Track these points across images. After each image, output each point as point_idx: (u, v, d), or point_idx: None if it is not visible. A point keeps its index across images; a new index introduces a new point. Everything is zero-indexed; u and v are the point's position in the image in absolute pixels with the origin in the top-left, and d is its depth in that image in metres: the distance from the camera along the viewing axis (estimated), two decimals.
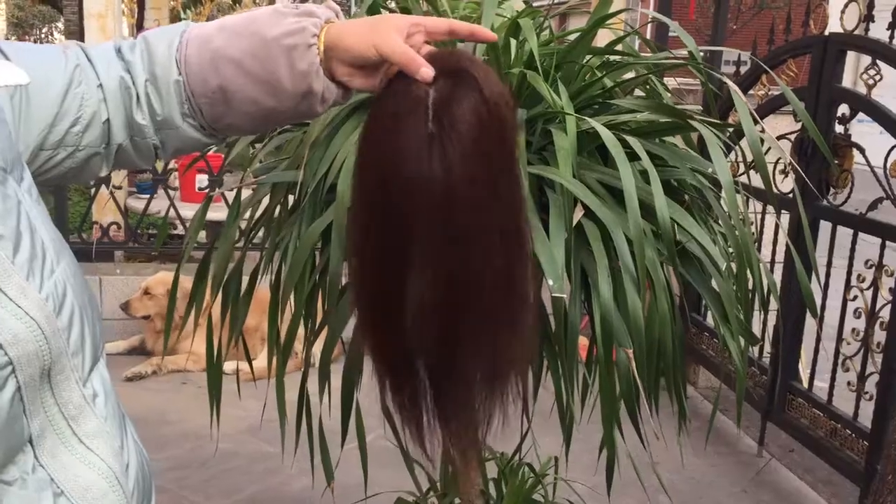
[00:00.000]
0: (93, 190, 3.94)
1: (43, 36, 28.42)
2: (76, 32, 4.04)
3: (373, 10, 1.42)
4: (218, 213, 2.94)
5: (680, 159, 1.36)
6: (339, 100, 0.82)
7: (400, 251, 0.69)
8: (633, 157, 1.22)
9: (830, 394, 2.70)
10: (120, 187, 4.02)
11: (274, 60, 0.76)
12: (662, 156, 1.35)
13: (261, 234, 1.62)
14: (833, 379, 2.68)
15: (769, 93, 3.02)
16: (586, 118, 1.28)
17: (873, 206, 2.45)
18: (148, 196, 3.93)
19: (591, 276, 1.24)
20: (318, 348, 1.51)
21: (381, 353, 0.77)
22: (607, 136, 1.21)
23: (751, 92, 3.07)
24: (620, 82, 1.46)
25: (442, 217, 0.67)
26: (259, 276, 1.55)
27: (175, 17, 8.57)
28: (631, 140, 1.24)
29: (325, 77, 0.78)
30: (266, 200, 1.53)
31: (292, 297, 1.40)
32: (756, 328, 1.72)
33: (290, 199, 1.48)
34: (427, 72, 0.70)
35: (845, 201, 2.63)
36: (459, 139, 0.66)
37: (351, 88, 0.81)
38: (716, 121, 1.43)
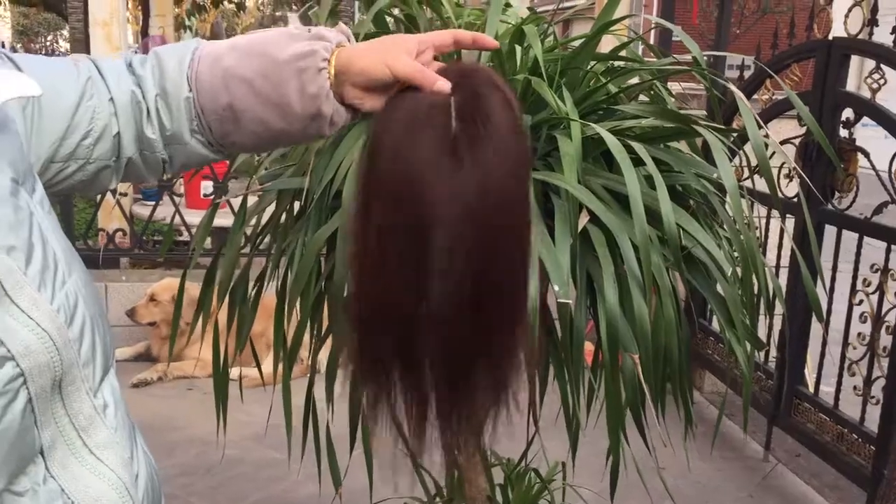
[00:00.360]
0: (98, 196, 3.95)
1: (48, 44, 28.53)
2: (81, 40, 4.04)
3: (378, 18, 1.43)
4: (223, 219, 2.94)
5: (685, 164, 1.36)
6: (348, 122, 0.82)
7: (422, 260, 0.67)
8: (638, 162, 1.23)
9: (837, 398, 2.69)
10: (125, 194, 4.03)
11: (284, 82, 0.76)
12: (667, 161, 1.35)
13: (266, 240, 1.62)
14: (839, 383, 2.67)
15: (773, 97, 3.02)
16: (591, 124, 1.28)
17: (878, 210, 2.45)
18: (153, 203, 3.95)
19: (597, 281, 1.24)
20: (324, 354, 1.52)
21: (386, 364, 0.75)
22: (612, 141, 1.21)
23: (755, 96, 3.07)
24: (625, 88, 1.46)
25: (468, 222, 0.66)
26: (265, 283, 1.55)
27: (179, 24, 8.61)
28: (636, 145, 1.24)
29: (334, 100, 0.78)
30: (272, 207, 1.54)
31: (298, 303, 1.40)
32: (762, 333, 1.72)
33: (296, 205, 1.48)
34: (443, 84, 0.70)
35: (850, 205, 2.62)
36: (490, 135, 0.66)
37: (360, 110, 0.81)
38: (720, 126, 1.43)
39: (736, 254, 1.36)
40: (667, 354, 1.29)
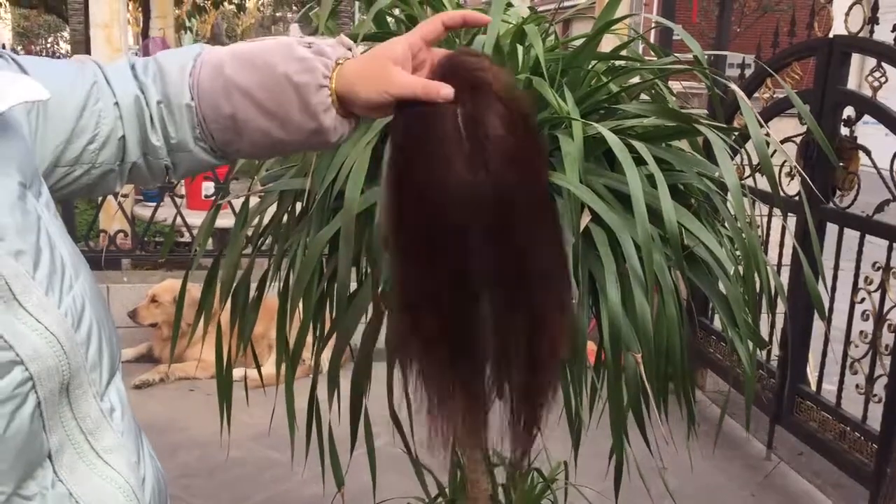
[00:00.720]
0: (100, 198, 3.95)
1: (48, 46, 28.56)
2: (82, 42, 4.03)
3: (379, 18, 1.43)
4: (224, 220, 2.94)
5: (686, 163, 1.36)
6: (352, 133, 0.82)
7: (465, 273, 0.69)
8: (639, 161, 1.23)
9: (839, 396, 2.69)
10: (127, 195, 4.03)
11: (284, 96, 0.76)
12: (669, 160, 1.35)
13: (268, 241, 1.62)
14: (841, 382, 2.67)
15: (774, 95, 3.02)
16: (592, 123, 1.28)
17: (880, 208, 2.45)
18: (154, 204, 3.95)
19: (599, 280, 1.24)
20: (326, 355, 1.52)
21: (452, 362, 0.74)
22: (614, 140, 1.21)
23: (755, 95, 3.06)
24: (626, 87, 1.46)
25: (505, 225, 0.68)
26: (267, 284, 1.55)
27: (180, 26, 8.61)
28: (637, 145, 1.24)
29: (335, 115, 0.77)
30: (273, 208, 1.54)
31: (300, 304, 1.40)
32: (763, 331, 1.72)
33: (298, 206, 1.48)
34: (448, 92, 0.70)
35: (851, 204, 2.62)
36: (498, 149, 0.67)
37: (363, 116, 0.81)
38: (721, 124, 1.43)
39: (738, 252, 1.37)
40: (669, 353, 1.29)
